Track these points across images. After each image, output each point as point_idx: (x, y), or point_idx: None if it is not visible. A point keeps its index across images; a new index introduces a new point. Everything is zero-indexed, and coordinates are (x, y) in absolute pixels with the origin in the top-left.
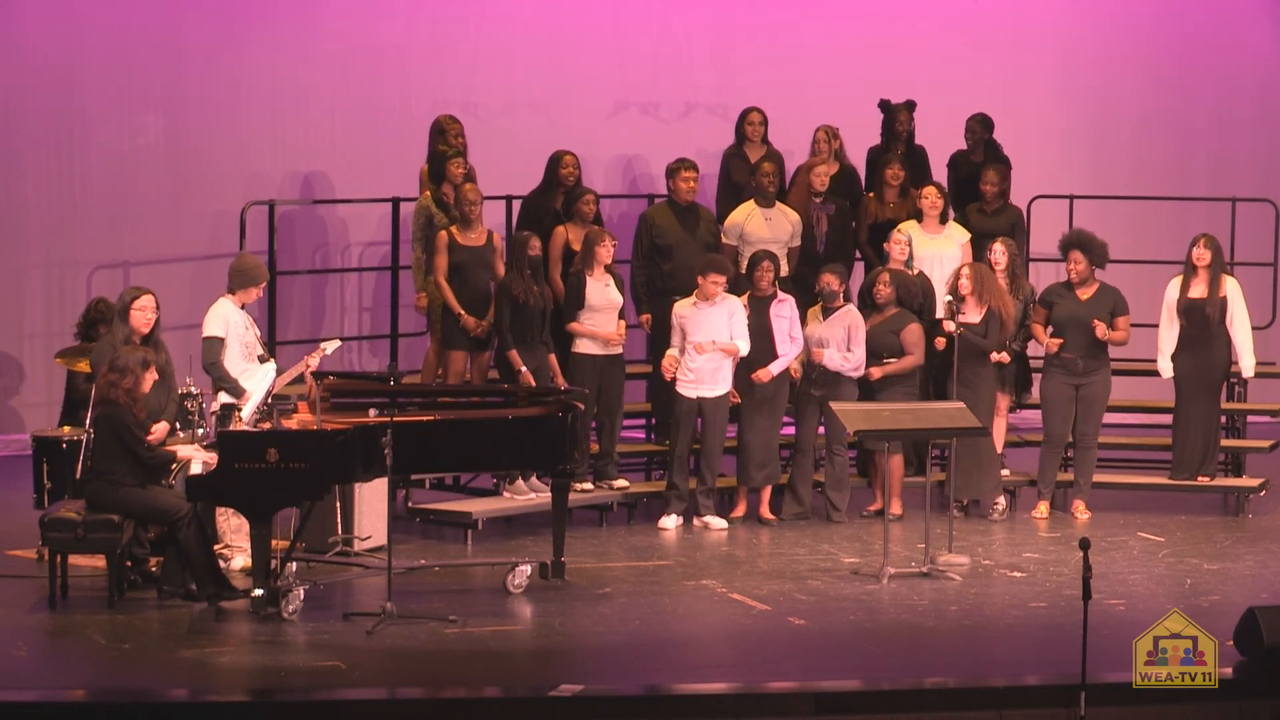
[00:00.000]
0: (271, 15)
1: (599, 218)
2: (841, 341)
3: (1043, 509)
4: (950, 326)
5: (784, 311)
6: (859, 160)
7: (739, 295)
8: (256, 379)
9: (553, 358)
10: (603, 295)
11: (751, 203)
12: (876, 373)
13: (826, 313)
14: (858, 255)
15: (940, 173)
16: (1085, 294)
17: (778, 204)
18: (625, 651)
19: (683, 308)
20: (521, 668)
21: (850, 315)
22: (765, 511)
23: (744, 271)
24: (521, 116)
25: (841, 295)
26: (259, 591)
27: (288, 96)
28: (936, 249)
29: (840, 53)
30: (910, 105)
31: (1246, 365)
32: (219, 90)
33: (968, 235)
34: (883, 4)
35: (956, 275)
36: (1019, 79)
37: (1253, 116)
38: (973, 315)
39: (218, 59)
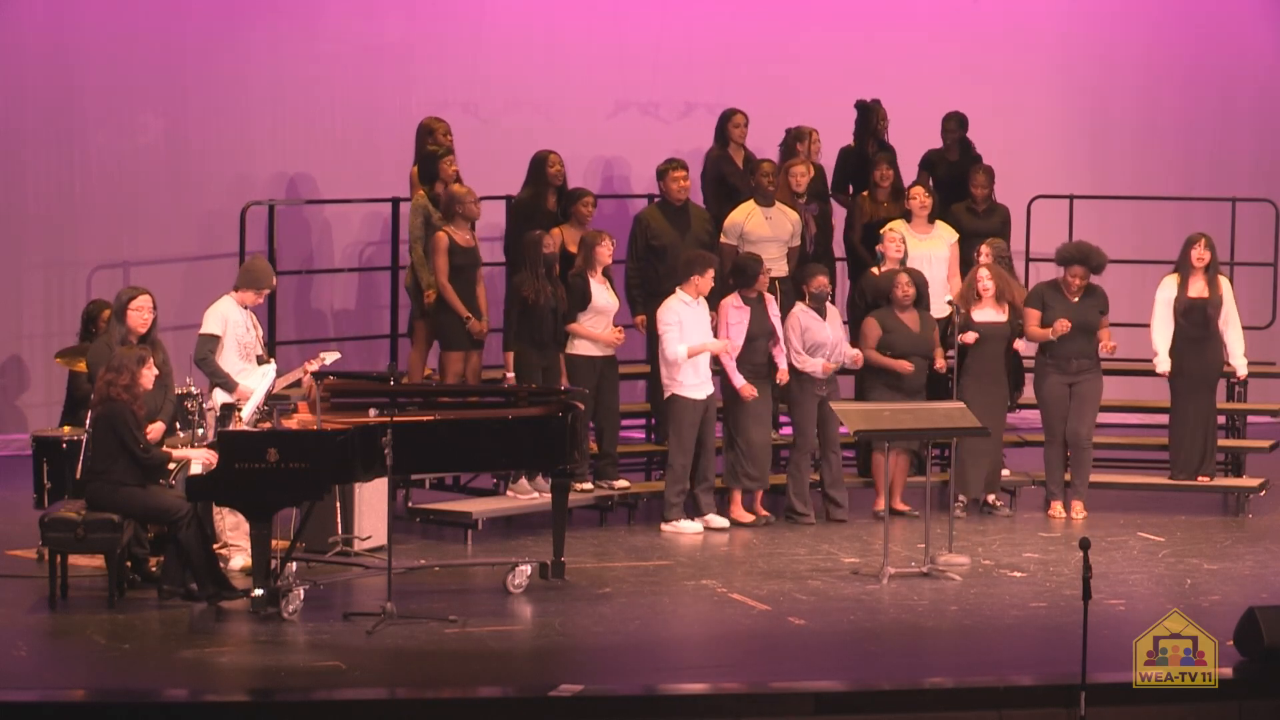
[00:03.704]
0: (271, 15)
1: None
2: (842, 340)
3: (1057, 509)
4: (970, 338)
5: (775, 310)
6: (830, 160)
7: (725, 295)
8: (254, 379)
9: (563, 358)
10: (605, 297)
11: (751, 202)
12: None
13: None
14: (840, 255)
15: (912, 172)
16: (1074, 295)
17: (777, 203)
18: (625, 651)
19: (681, 306)
20: (521, 668)
21: (836, 314)
22: (742, 513)
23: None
24: (521, 116)
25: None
26: (259, 591)
27: (287, 96)
28: (926, 249)
29: (840, 53)
30: (875, 104)
31: (1242, 365)
32: (219, 90)
33: (956, 235)
34: (883, 4)
35: (974, 278)
36: (1019, 78)
37: (1253, 117)
38: (996, 315)
39: (218, 59)
